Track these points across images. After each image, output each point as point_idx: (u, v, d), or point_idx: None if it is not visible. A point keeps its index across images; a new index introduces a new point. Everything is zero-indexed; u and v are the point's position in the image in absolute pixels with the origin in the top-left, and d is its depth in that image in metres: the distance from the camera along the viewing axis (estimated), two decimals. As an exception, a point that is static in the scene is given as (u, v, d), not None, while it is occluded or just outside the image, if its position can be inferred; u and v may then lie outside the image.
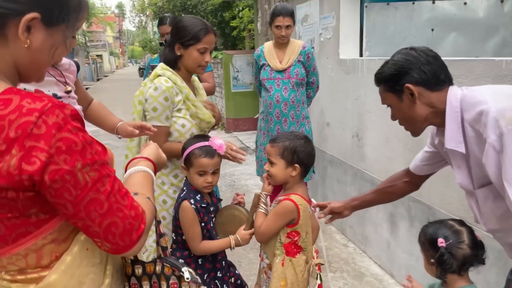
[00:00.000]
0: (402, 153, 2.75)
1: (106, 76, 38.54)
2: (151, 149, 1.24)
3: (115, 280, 1.03)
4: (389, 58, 1.48)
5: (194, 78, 2.26)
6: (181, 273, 1.10)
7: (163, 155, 1.29)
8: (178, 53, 2.02)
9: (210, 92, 3.72)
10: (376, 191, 1.97)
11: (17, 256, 0.86)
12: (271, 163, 1.79)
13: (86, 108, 2.08)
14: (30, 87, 1.34)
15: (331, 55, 3.65)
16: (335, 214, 2.00)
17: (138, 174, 1.10)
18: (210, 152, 1.83)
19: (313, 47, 4.00)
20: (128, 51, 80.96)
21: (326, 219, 2.03)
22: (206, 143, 1.85)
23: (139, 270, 1.12)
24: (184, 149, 1.87)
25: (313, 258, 1.87)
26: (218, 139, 1.89)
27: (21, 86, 1.26)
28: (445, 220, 1.53)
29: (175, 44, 2.01)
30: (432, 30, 3.40)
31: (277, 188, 1.91)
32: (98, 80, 31.81)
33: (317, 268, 1.98)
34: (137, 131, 1.89)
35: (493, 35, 3.43)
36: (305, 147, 1.77)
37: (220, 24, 13.39)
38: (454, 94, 1.39)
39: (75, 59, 1.94)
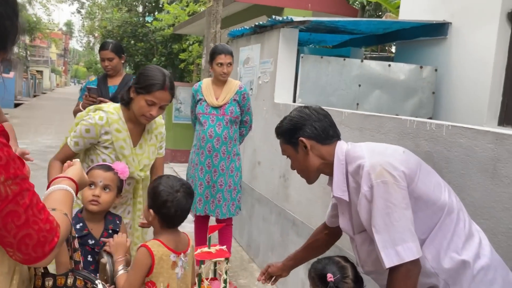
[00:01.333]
0: (322, 196, 2.91)
1: (44, 93, 36.88)
2: (75, 169, 1.29)
3: None
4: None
5: (157, 121, 2.26)
6: (93, 286, 1.14)
7: (85, 176, 1.34)
8: (131, 95, 2.07)
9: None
10: (305, 248, 2.07)
11: None
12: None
13: None
14: None
15: (267, 98, 3.83)
16: (277, 276, 2.13)
17: (59, 192, 1.15)
18: (106, 166, 1.92)
19: (251, 89, 4.18)
20: (72, 70, 78.37)
21: (271, 282, 2.16)
22: (108, 164, 1.95)
23: (49, 283, 1.15)
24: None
25: None
26: (122, 163, 1.98)
27: None
28: (332, 257, 1.68)
29: (132, 86, 2.08)
30: (359, 85, 3.70)
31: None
32: (34, 96, 30.36)
33: None
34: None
35: (412, 96, 3.80)
36: (165, 195, 1.64)
37: (170, 55, 13.52)
38: (340, 148, 1.60)
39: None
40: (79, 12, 27.00)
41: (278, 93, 3.67)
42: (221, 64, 3.22)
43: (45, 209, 0.96)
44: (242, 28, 4.30)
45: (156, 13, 14.90)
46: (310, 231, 3.01)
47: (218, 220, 3.45)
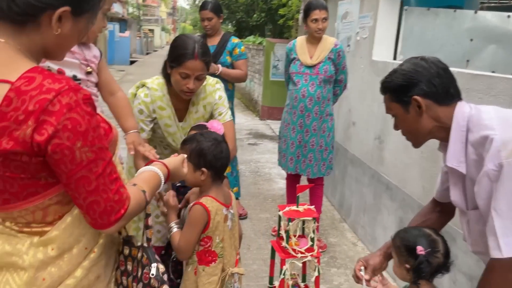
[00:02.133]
0: (419, 161, 2.75)
1: (155, 50, 39.39)
2: (174, 160, 1.34)
3: (108, 242, 1.16)
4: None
5: (207, 90, 2.09)
6: (149, 267, 1.17)
7: (184, 170, 1.38)
8: (168, 71, 1.96)
9: (241, 79, 3.83)
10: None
11: (26, 211, 1.00)
12: None
13: (110, 96, 2.06)
14: (55, 66, 1.48)
15: (365, 55, 3.65)
16: (377, 270, 1.74)
17: (148, 172, 1.21)
18: (201, 126, 1.87)
19: (348, 45, 4.00)
20: (180, 28, 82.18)
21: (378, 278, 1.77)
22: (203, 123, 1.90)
23: (126, 251, 1.22)
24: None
25: (234, 267, 1.79)
26: (216, 121, 1.89)
27: (46, 64, 1.40)
28: (422, 228, 1.56)
29: (166, 61, 1.96)
30: (471, 40, 3.33)
31: None
32: (147, 54, 32.59)
33: (237, 276, 1.86)
34: (132, 152, 1.84)
35: (534, 51, 3.32)
36: (212, 149, 1.67)
37: (270, 10, 13.40)
38: (462, 112, 1.36)
39: (97, 47, 1.91)
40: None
41: (377, 50, 3.46)
42: (316, 20, 3.12)
43: (117, 181, 1.01)
44: (342, -20, 4.07)
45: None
46: (405, 196, 2.91)
47: (309, 180, 3.47)
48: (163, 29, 55.55)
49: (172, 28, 72.83)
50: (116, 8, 23.93)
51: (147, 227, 1.25)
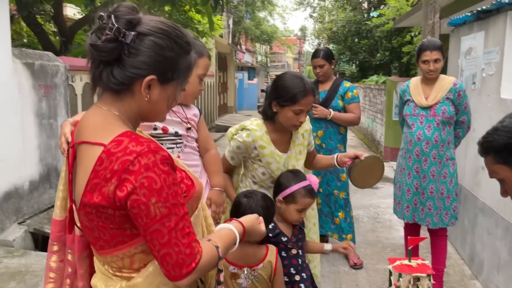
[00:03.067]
0: (562, 214, 2.34)
1: (281, 94, 40.83)
2: (250, 218, 1.38)
3: None
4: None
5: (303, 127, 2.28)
6: None
7: (260, 228, 1.40)
8: (274, 110, 2.09)
9: (354, 122, 3.78)
10: None
11: (116, 257, 1.12)
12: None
13: (204, 153, 2.19)
14: (160, 124, 1.72)
15: (492, 93, 3.31)
16: None
17: (224, 229, 1.26)
18: (313, 192, 1.97)
19: (474, 83, 3.68)
20: (306, 71, 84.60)
21: None
22: (307, 182, 2.00)
23: None
24: (281, 183, 2.04)
25: None
26: (314, 177, 2.01)
27: (153, 123, 1.61)
28: None
29: (272, 101, 2.08)
30: None
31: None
32: (273, 98, 33.96)
33: None
34: (213, 208, 2.03)
35: None
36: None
37: (394, 49, 13.08)
38: None
39: (197, 108, 2.12)
40: (311, 16, 28.84)
41: (506, 87, 3.11)
42: (427, 61, 2.96)
43: (189, 236, 1.06)
44: (464, 15, 3.82)
45: (381, 7, 14.63)
46: (546, 254, 2.47)
47: (429, 230, 3.19)
48: (289, 73, 57.54)
49: (298, 72, 75.22)
50: (246, 58, 25.77)
51: (218, 283, 1.27)
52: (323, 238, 4.19)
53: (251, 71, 27.61)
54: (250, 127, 2.15)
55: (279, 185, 2.09)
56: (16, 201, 3.93)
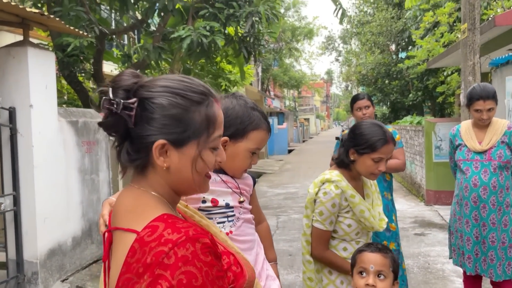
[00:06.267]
0: None
1: (311, 137, 41.02)
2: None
3: None
4: None
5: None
6: None
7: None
8: (352, 158, 2.03)
9: (400, 168, 3.63)
10: None
11: None
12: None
13: (256, 226, 1.99)
14: (209, 196, 1.48)
15: (549, 134, 3.13)
16: None
17: None
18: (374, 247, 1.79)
19: (526, 123, 3.51)
20: (334, 113, 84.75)
21: None
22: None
23: None
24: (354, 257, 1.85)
25: None
26: None
27: (201, 195, 1.47)
28: None
29: (350, 148, 2.04)
30: None
31: None
32: (303, 141, 34.08)
33: None
34: None
35: None
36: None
37: (426, 88, 12.95)
38: None
39: (252, 177, 1.85)
40: (337, 60, 29.25)
41: None
42: (480, 110, 2.84)
43: None
44: (507, 55, 3.72)
45: (409, 48, 14.66)
46: None
47: (492, 283, 2.95)
48: (317, 116, 58.05)
49: (326, 114, 75.58)
50: (275, 104, 26.11)
51: None
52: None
53: (280, 116, 27.85)
54: (334, 178, 2.04)
55: None
56: (59, 258, 3.93)
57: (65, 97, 9.17)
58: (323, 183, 2.06)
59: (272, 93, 26.03)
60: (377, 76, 14.53)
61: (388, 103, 15.19)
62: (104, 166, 4.80)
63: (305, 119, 42.00)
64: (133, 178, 0.99)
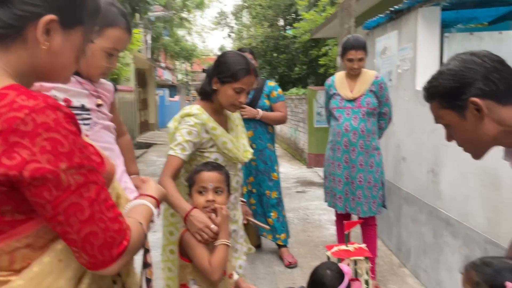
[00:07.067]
0: (479, 190, 2.50)
1: (203, 112, 40.82)
2: (153, 186, 1.18)
3: None
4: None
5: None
6: None
7: (163, 189, 1.25)
8: (214, 87, 2.00)
9: (281, 121, 3.79)
10: None
11: None
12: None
13: (117, 138, 1.91)
14: (61, 95, 1.34)
15: (408, 87, 3.51)
16: None
17: (140, 206, 1.06)
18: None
19: (390, 79, 3.89)
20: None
21: None
22: (347, 279, 1.94)
23: None
24: (325, 285, 1.93)
25: None
26: (346, 267, 1.98)
27: (52, 93, 1.33)
28: (503, 259, 1.31)
29: (213, 77, 1.99)
30: (523, 61, 3.12)
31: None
32: (195, 115, 33.81)
33: None
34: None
35: None
36: None
37: (311, 63, 13.65)
38: None
39: (113, 86, 1.74)
40: (229, 36, 29.28)
41: (421, 80, 3.32)
42: (352, 59, 3.06)
43: (115, 208, 0.87)
44: (377, 17, 4.05)
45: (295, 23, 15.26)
46: (468, 231, 2.62)
47: (360, 219, 3.26)
48: (210, 91, 57.77)
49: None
50: (166, 76, 25.36)
51: (145, 265, 1.09)
52: (257, 239, 4.12)
53: (172, 89, 27.20)
54: (194, 112, 2.00)
55: (321, 285, 1.97)
56: None
57: None
58: (183, 118, 2.01)
59: (163, 64, 25.18)
60: (266, 49, 14.90)
61: (277, 76, 15.70)
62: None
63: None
64: None
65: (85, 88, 1.40)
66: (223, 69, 1.96)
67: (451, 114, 1.24)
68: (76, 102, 1.36)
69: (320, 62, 11.33)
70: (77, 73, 1.39)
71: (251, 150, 2.21)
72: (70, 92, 1.34)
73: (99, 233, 0.82)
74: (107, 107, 1.52)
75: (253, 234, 1.98)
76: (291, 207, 5.47)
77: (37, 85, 1.07)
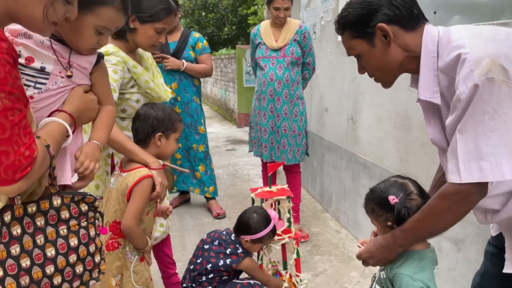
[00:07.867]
0: (392, 132, 2.67)
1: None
2: (74, 101, 1.22)
3: None
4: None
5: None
6: (78, 197, 1.15)
7: (91, 105, 1.28)
8: (132, 26, 1.86)
9: (207, 73, 3.72)
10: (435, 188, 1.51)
11: None
12: None
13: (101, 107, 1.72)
14: (25, 53, 1.17)
15: (331, 39, 3.59)
16: None
17: (52, 123, 1.13)
18: (275, 231, 2.25)
19: (315, 32, 3.95)
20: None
21: None
22: (273, 223, 2.19)
23: (32, 209, 1.08)
24: (250, 227, 2.16)
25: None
26: (274, 212, 2.21)
27: (18, 48, 1.19)
28: (385, 180, 1.45)
29: (131, 15, 1.83)
30: (435, 12, 3.30)
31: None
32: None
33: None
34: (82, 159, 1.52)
35: (498, 18, 3.31)
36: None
37: (240, 23, 13.48)
38: (431, 36, 1.21)
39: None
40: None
41: (342, 31, 3.41)
42: (278, 8, 3.05)
43: (31, 136, 0.96)
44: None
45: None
46: (382, 171, 2.81)
47: (284, 167, 3.36)
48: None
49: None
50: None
51: (52, 185, 1.13)
52: (185, 195, 4.11)
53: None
54: (110, 50, 1.86)
55: (247, 227, 2.15)
56: None
57: None
58: (106, 55, 1.85)
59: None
60: (194, 8, 14.45)
61: (206, 36, 15.36)
62: None
63: None
64: None
65: (58, 53, 1.23)
66: (143, 8, 1.84)
67: (361, 43, 1.27)
68: (37, 63, 1.20)
69: (249, 22, 11.22)
70: (63, 41, 1.26)
71: (170, 90, 2.15)
72: (37, 53, 1.20)
73: (11, 155, 0.90)
74: (85, 77, 1.32)
75: (170, 179, 1.95)
76: (221, 164, 5.50)
77: (10, 37, 1.14)
